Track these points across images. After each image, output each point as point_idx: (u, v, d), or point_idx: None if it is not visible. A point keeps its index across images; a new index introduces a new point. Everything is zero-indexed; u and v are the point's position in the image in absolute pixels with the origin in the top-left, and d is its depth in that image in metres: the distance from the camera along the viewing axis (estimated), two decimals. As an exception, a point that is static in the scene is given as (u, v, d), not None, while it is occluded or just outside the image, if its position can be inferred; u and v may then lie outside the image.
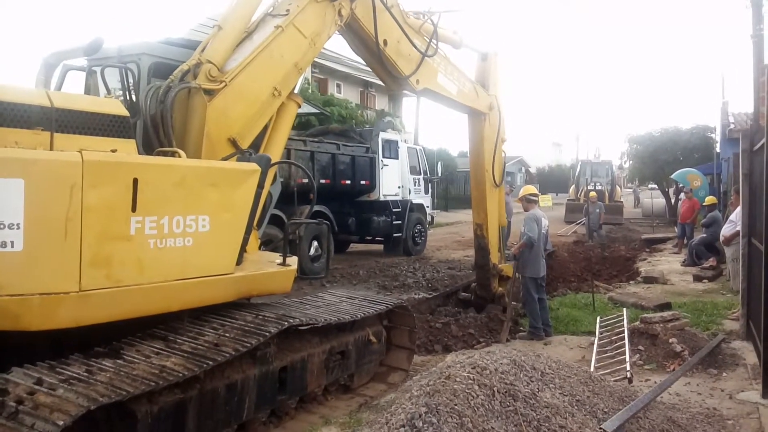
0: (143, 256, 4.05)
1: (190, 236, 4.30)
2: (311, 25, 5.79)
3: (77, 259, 3.72)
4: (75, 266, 3.72)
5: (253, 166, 4.86)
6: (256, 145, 5.57)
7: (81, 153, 3.77)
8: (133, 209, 3.95)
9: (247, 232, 4.91)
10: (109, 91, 5.06)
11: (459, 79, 8.30)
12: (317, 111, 19.03)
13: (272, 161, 5.47)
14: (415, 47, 7.16)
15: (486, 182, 9.19)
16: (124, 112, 4.50)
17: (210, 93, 4.99)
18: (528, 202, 8.12)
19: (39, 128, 3.92)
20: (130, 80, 5.49)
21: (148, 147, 4.90)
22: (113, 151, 4.14)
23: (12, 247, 3.52)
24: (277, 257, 5.38)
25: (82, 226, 3.72)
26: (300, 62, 5.74)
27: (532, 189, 8.50)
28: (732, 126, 18.98)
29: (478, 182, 9.34)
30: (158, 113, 4.83)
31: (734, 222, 9.52)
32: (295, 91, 6.17)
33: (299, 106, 6.22)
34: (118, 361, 3.76)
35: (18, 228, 3.53)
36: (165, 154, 4.70)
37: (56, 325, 3.73)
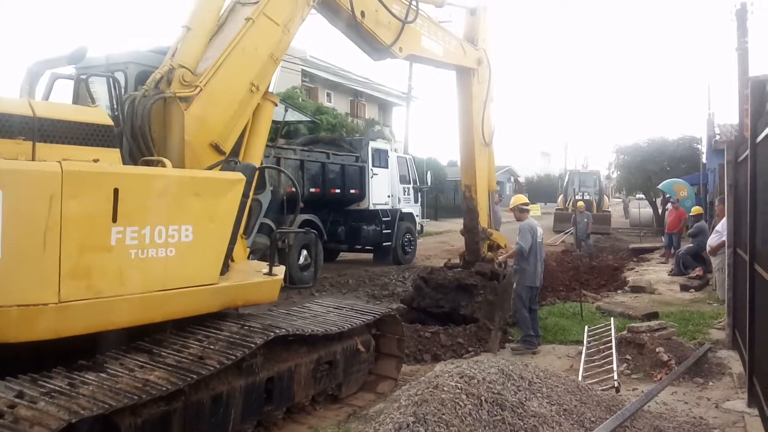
0: (124, 267, 4.01)
1: (173, 246, 4.27)
2: (283, 11, 5.60)
3: (56, 270, 3.68)
4: (54, 277, 3.67)
5: (238, 176, 4.84)
6: (234, 151, 5.48)
7: (60, 163, 3.73)
8: (114, 219, 3.92)
9: (232, 242, 4.87)
10: (93, 100, 5.01)
11: (444, 38, 8.15)
12: (307, 119, 19.03)
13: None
14: (394, 15, 6.98)
15: (475, 141, 9.03)
16: (108, 121, 4.46)
17: (186, 100, 4.90)
18: (521, 212, 7.97)
19: (20, 138, 3.88)
20: (119, 89, 5.45)
21: (132, 156, 4.86)
22: (95, 160, 4.11)
23: None
24: (265, 266, 5.35)
25: (61, 237, 3.69)
26: (275, 52, 5.58)
27: (523, 198, 8.32)
28: (718, 137, 19.22)
29: (466, 142, 9.15)
30: (136, 124, 4.78)
31: (720, 232, 9.60)
32: (270, 88, 5.97)
33: (275, 105, 6.06)
34: (101, 374, 3.72)
35: None
36: (150, 163, 4.67)
37: (35, 337, 3.68)
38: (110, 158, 4.33)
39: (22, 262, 3.60)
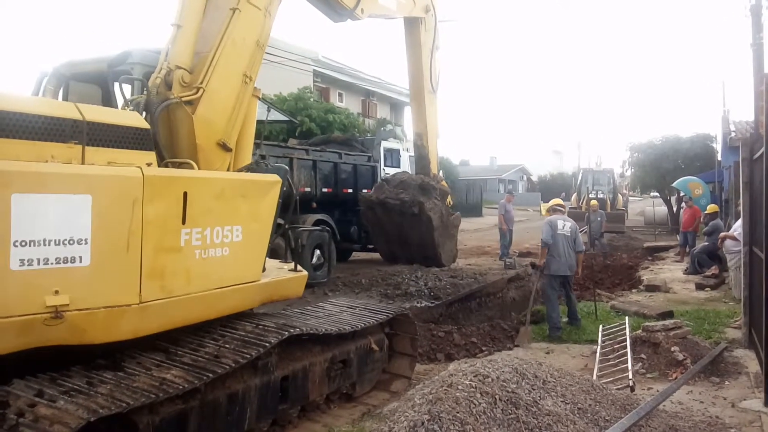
0: (190, 267, 4.18)
1: (227, 246, 4.47)
2: None
3: (138, 271, 3.83)
4: (136, 279, 3.82)
5: (275, 178, 5.05)
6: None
7: (141, 168, 3.88)
8: (183, 221, 4.08)
9: (270, 241, 5.08)
10: (127, 104, 5.01)
11: None
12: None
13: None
14: None
15: (424, 90, 9.69)
16: (146, 125, 4.49)
17: (191, 103, 4.89)
18: (553, 211, 8.83)
19: (73, 141, 3.92)
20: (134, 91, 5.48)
21: None
22: (149, 164, 4.24)
23: (80, 262, 3.60)
24: (279, 263, 5.47)
25: (142, 240, 3.83)
26: (261, 39, 5.56)
27: (557, 201, 9.20)
28: (733, 134, 18.98)
29: (416, 91, 9.87)
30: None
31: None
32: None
33: (259, 99, 5.95)
34: (119, 373, 3.78)
35: (86, 243, 3.61)
36: (176, 165, 4.69)
37: (118, 338, 3.82)
38: (150, 161, 4.40)
39: (109, 265, 3.73)
